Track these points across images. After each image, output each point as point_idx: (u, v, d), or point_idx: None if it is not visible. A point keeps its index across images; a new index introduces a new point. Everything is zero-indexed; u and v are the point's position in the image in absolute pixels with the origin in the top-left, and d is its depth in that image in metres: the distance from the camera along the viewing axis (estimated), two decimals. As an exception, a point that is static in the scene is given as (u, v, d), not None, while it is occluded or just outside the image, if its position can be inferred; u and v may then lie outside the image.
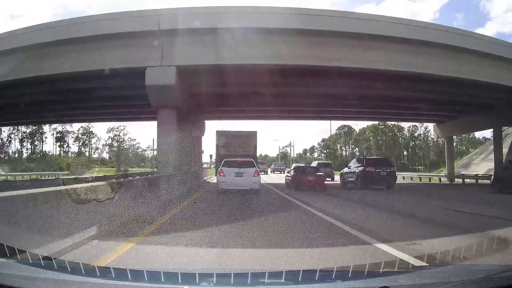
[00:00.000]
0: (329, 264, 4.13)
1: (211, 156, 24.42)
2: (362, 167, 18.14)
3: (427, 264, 3.96)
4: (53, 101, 22.55)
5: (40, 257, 2.33)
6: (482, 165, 35.94)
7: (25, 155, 72.28)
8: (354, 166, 19.61)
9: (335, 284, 2.08)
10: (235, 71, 16.63)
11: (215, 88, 19.60)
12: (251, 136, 22.00)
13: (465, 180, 28.09)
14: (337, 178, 25.88)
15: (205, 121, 30.14)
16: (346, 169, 20.90)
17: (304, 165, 30.70)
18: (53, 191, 5.22)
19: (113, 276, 2.12)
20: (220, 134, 22.29)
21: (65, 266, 2.20)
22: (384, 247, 5.14)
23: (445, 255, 4.40)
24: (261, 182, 16.38)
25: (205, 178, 23.48)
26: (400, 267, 3.29)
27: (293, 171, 19.24)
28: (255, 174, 14.20)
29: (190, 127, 23.19)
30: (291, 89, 20.58)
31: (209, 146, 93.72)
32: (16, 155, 71.31)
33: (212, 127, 66.70)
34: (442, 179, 31.45)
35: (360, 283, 2.05)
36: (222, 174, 14.36)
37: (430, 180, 31.95)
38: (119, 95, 20.82)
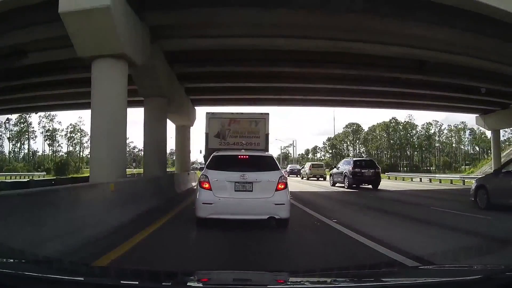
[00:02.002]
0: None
1: (204, 157, 15.07)
2: (349, 168, 19.18)
3: (427, 265, 3.96)
4: None
5: (40, 257, 2.33)
6: (526, 166, 32.47)
7: (11, 153, 71.38)
8: (342, 167, 20.66)
9: (335, 284, 2.08)
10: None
11: (205, 41, 13.16)
12: (261, 121, 14.26)
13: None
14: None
15: (196, 107, 24.69)
16: (335, 170, 21.99)
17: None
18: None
19: (113, 276, 2.12)
20: (212, 117, 14.49)
21: (65, 266, 2.21)
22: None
23: (445, 256, 4.41)
24: None
25: (193, 184, 17.14)
26: (399, 267, 3.30)
27: None
28: (280, 186, 6.59)
29: (167, 108, 16.91)
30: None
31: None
32: (10, 154, 70.80)
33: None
34: None
35: (359, 283, 2.05)
36: (207, 186, 6.55)
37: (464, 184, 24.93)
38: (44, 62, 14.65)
